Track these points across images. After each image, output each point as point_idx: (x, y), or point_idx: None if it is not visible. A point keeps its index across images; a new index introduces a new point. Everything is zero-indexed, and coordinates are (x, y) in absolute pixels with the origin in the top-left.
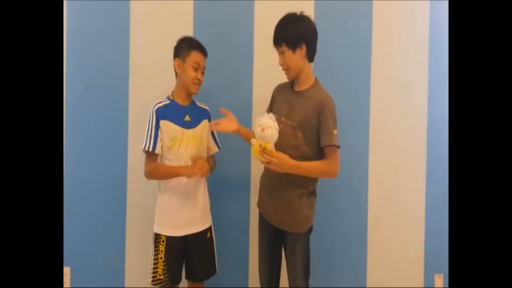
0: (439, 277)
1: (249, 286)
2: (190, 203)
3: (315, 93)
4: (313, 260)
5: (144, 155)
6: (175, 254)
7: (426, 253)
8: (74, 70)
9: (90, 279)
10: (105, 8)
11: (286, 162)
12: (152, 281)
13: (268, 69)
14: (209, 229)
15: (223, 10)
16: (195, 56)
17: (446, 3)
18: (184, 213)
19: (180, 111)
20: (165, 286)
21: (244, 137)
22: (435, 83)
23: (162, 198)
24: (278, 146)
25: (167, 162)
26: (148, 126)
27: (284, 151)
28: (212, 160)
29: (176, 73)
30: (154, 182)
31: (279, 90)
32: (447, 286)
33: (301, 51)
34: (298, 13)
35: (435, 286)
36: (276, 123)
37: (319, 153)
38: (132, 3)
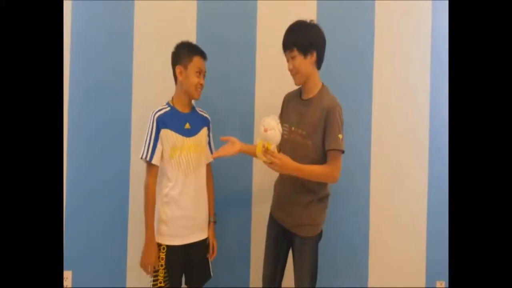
0: (441, 284)
1: (250, 286)
2: (191, 213)
3: (322, 100)
4: None
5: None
6: (176, 263)
7: (427, 260)
8: (78, 71)
9: (91, 283)
10: (109, 10)
11: (287, 164)
12: None
13: (271, 70)
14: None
15: (226, 12)
16: (197, 61)
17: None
18: (185, 222)
19: (181, 118)
20: None
21: (249, 154)
22: (437, 86)
23: (163, 207)
24: (289, 156)
25: (166, 168)
26: (148, 134)
27: (295, 160)
28: (208, 170)
29: (175, 80)
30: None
31: (289, 99)
32: None
33: (312, 57)
34: (309, 20)
35: None
36: (279, 126)
37: (325, 159)
38: (136, 3)
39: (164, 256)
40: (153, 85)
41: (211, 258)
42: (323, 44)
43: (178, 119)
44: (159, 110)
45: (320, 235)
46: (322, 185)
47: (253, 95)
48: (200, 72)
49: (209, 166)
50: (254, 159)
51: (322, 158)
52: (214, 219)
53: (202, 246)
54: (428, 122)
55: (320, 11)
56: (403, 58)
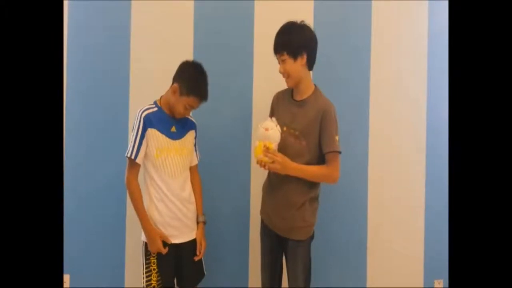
0: (439, 283)
1: (249, 286)
2: (182, 213)
3: (316, 101)
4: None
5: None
6: (167, 264)
7: (426, 259)
8: (75, 71)
9: (90, 286)
10: (106, 10)
11: (288, 164)
12: None
13: (268, 70)
14: None
15: (223, 12)
16: (192, 101)
17: (445, 5)
18: (173, 223)
19: (167, 121)
20: None
21: None
22: (435, 86)
23: (152, 208)
24: (283, 154)
25: (152, 170)
26: (134, 132)
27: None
28: (195, 171)
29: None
30: None
31: (279, 99)
32: None
33: (302, 60)
34: (299, 21)
35: None
36: (278, 126)
37: (321, 159)
38: (133, 3)
39: (155, 260)
40: (150, 85)
41: (197, 258)
42: (313, 45)
43: (165, 121)
44: (147, 109)
45: (312, 236)
46: (314, 186)
47: (250, 95)
48: (190, 109)
49: (195, 168)
50: (252, 157)
51: (316, 158)
52: (203, 219)
53: (192, 247)
54: (426, 122)
55: (316, 11)
56: (400, 58)
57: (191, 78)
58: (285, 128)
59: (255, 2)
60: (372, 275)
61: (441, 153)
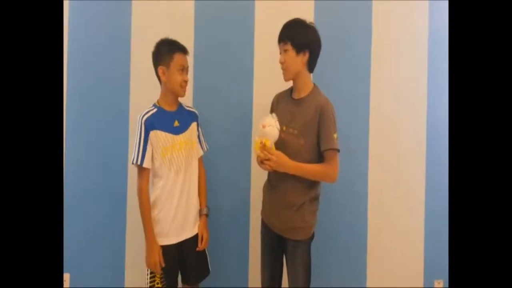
0: (439, 283)
1: (249, 286)
2: (184, 210)
3: (314, 99)
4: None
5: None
6: (171, 262)
7: (425, 259)
8: (75, 70)
9: (90, 286)
10: (106, 10)
11: (284, 161)
12: None
13: (269, 70)
14: None
15: (224, 12)
16: (179, 58)
17: (445, 5)
18: (178, 220)
19: (169, 117)
20: None
21: None
22: (435, 88)
23: (156, 207)
24: (282, 153)
25: (158, 167)
26: (137, 138)
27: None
28: (200, 163)
29: (159, 80)
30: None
31: (278, 99)
32: None
33: (304, 57)
34: (308, 22)
35: None
36: (277, 123)
37: (320, 158)
38: (133, 3)
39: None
40: (150, 85)
41: (198, 248)
42: (317, 48)
43: (166, 118)
44: (146, 113)
45: (312, 237)
46: (313, 186)
47: (251, 95)
48: (183, 69)
49: (200, 159)
50: (253, 157)
51: (315, 156)
52: (206, 211)
53: (195, 242)
54: (426, 124)
55: (317, 11)
56: (400, 58)
57: (164, 45)
58: (284, 127)
59: (256, 2)
60: (372, 275)
61: (441, 153)
